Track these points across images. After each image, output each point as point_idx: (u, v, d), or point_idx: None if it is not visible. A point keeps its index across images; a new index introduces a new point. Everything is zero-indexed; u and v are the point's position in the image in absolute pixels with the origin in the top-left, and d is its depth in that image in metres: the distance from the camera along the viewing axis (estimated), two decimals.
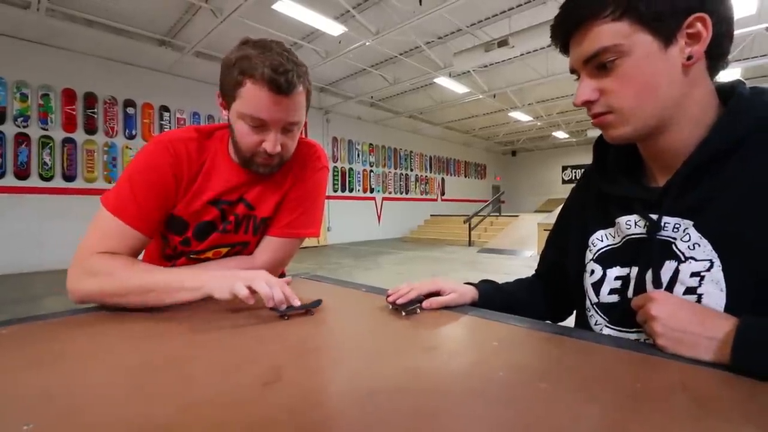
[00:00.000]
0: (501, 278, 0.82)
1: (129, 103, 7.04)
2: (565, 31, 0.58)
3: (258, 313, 0.69)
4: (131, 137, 7.02)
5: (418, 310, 0.67)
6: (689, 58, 0.51)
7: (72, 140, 6.43)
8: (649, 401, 0.37)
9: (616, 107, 0.55)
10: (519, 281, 0.84)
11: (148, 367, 0.46)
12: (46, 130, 6.19)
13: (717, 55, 0.54)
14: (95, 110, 6.66)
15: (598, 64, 0.54)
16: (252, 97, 0.75)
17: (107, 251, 0.75)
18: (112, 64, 6.81)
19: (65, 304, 0.67)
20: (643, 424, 0.33)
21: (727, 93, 0.56)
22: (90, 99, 6.60)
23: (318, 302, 0.70)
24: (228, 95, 0.79)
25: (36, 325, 0.62)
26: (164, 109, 7.47)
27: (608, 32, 0.52)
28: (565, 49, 0.59)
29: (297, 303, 0.67)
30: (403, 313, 0.65)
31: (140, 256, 0.86)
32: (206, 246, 0.89)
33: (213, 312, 0.70)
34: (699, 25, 0.50)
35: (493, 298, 0.75)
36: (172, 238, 0.88)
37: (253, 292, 0.66)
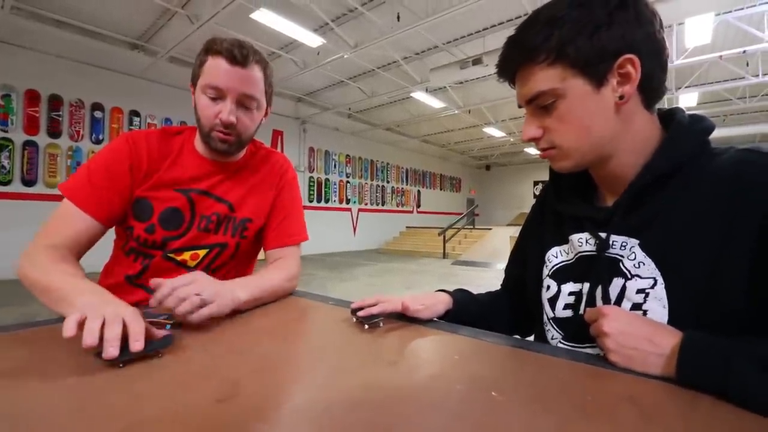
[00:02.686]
0: (474, 290, 0.83)
1: (97, 106, 6.78)
2: (507, 73, 0.60)
3: (215, 327, 0.67)
4: (98, 142, 6.76)
5: (381, 324, 0.67)
6: (621, 97, 0.54)
7: (34, 143, 6.12)
8: (597, 413, 0.38)
9: (557, 144, 0.58)
10: (489, 293, 0.86)
11: (93, 384, 0.44)
12: (6, 132, 5.88)
13: (651, 89, 0.56)
14: (60, 113, 6.38)
15: (538, 106, 0.57)
16: (211, 68, 0.83)
17: (58, 236, 0.79)
18: (80, 66, 6.55)
19: (17, 317, 0.63)
20: None
21: (668, 119, 0.60)
22: (55, 101, 6.33)
23: (168, 339, 0.55)
24: (194, 78, 0.88)
25: None
26: (134, 114, 7.24)
27: (544, 77, 0.55)
28: (513, 85, 0.61)
29: (138, 346, 0.50)
30: (366, 326, 0.65)
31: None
32: (182, 244, 0.89)
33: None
34: (629, 66, 0.53)
35: (468, 306, 0.76)
36: (136, 225, 0.87)
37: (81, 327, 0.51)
